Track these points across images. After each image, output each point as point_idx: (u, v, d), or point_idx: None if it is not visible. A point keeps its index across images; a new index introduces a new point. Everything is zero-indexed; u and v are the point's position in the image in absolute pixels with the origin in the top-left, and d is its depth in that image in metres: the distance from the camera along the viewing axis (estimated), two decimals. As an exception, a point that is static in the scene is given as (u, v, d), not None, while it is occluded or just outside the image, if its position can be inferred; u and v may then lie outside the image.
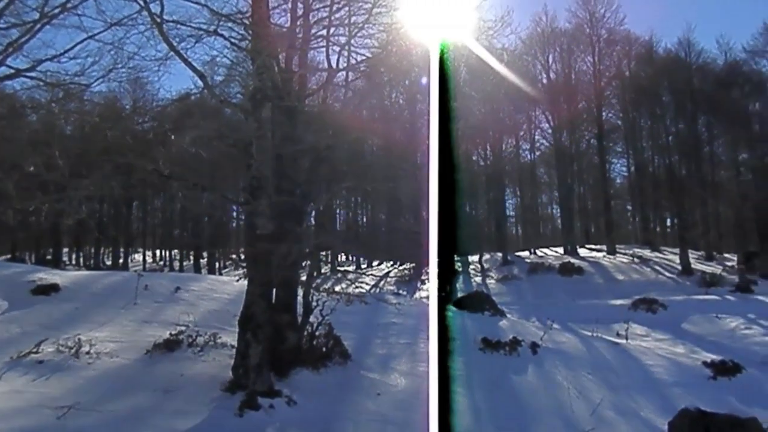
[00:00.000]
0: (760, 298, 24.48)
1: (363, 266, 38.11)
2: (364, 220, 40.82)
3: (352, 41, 11.21)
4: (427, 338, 13.47)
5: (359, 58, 11.79)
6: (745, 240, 35.13)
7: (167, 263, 47.16)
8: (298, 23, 11.15)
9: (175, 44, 9.99)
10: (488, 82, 31.62)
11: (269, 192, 10.46)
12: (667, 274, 32.13)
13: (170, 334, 11.73)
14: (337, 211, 35.38)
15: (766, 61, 39.22)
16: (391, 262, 36.27)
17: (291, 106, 10.72)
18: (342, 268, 30.39)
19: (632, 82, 42.42)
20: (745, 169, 39.19)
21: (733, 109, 36.62)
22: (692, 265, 32.88)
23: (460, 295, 21.64)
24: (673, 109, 40.39)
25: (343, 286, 18.78)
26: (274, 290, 10.73)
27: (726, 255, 38.03)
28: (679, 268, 32.78)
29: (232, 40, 10.65)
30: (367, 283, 27.62)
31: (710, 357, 14.77)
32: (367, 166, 15.06)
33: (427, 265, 28.18)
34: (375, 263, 38.67)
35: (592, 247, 41.56)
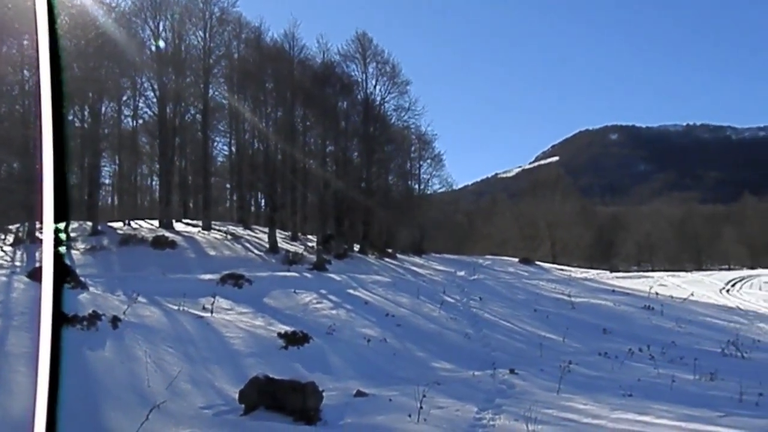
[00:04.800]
0: (332, 275, 27.66)
1: None
2: None
3: None
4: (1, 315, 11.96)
5: None
6: (325, 223, 39.23)
7: None
8: None
9: None
10: (90, 38, 29.12)
11: None
12: (256, 251, 34.03)
13: None
14: None
15: (355, 66, 44.55)
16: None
17: None
18: None
19: (240, 64, 43.52)
20: (330, 160, 43.76)
21: (326, 105, 40.54)
22: (279, 244, 35.51)
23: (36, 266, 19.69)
24: (275, 97, 42.67)
25: None
26: None
27: (309, 236, 41.92)
28: (267, 246, 35.05)
29: None
30: None
31: (285, 329, 16.10)
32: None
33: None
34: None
35: (189, 221, 41.77)
